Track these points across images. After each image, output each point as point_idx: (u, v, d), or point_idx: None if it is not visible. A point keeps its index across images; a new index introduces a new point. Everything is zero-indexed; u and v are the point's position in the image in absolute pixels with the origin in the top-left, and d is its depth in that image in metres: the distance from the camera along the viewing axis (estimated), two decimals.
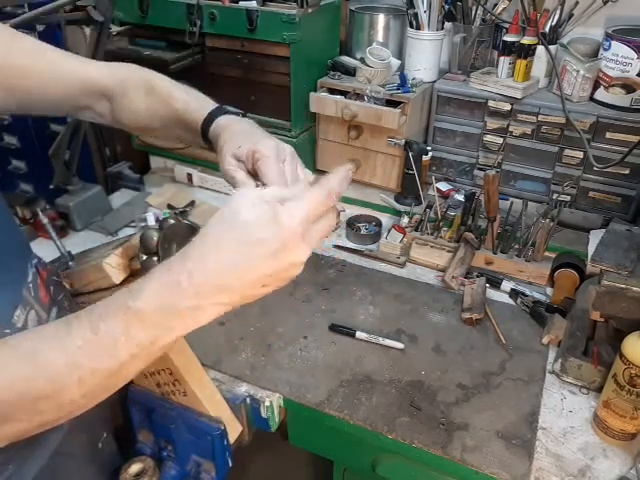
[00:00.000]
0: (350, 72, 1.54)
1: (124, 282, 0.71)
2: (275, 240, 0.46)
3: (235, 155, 0.66)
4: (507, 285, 1.24)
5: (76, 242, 1.40)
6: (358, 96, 1.49)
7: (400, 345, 1.08)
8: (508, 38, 1.38)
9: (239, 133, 0.69)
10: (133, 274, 0.72)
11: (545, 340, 1.09)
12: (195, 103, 0.76)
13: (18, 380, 0.45)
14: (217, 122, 0.72)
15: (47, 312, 0.73)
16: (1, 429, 0.46)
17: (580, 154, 1.38)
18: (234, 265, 0.46)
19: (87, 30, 1.31)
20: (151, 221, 1.44)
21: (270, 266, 0.47)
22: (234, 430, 0.96)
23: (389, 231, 1.37)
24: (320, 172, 0.55)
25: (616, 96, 1.32)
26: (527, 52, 1.35)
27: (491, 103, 1.43)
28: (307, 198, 0.48)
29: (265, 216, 0.46)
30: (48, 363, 0.46)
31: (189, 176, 1.67)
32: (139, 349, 0.47)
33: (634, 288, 0.93)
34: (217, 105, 0.75)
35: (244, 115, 0.75)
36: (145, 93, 0.78)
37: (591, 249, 1.15)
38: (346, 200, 1.54)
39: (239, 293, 0.48)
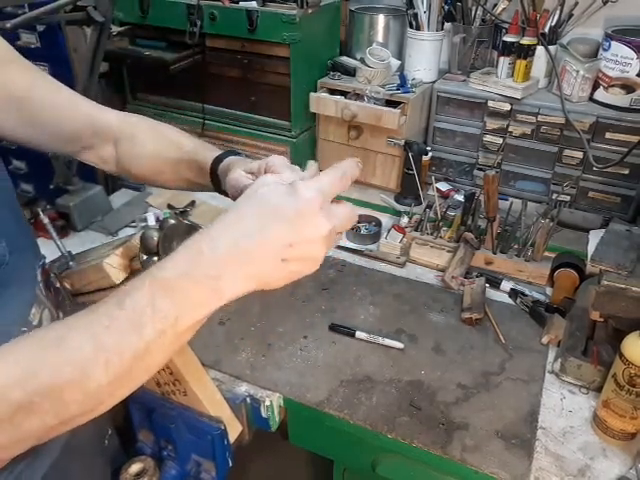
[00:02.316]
0: (350, 72, 1.54)
1: (124, 282, 0.71)
2: (291, 208, 0.47)
3: (246, 169, 0.69)
4: (507, 285, 1.24)
5: (76, 242, 1.40)
6: (358, 96, 1.49)
7: (400, 345, 1.08)
8: (508, 38, 1.38)
9: (251, 160, 0.74)
10: (133, 274, 0.72)
11: (545, 340, 1.09)
12: (203, 146, 0.82)
13: (43, 367, 0.44)
14: (228, 159, 0.76)
15: (57, 312, 0.74)
16: (27, 422, 0.45)
17: (580, 154, 1.38)
18: (252, 232, 0.47)
19: (87, 30, 1.31)
20: (151, 221, 1.45)
21: (287, 234, 0.47)
22: (234, 430, 0.97)
23: (389, 231, 1.37)
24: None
25: (616, 96, 1.33)
26: (527, 52, 1.36)
27: (491, 103, 1.43)
28: (323, 177, 0.50)
29: (283, 188, 0.48)
30: (74, 347, 0.45)
31: None
32: (164, 324, 0.46)
33: (634, 288, 0.94)
34: (221, 151, 0.79)
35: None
36: (154, 137, 0.82)
37: (591, 249, 1.15)
38: (346, 200, 1.54)
39: (259, 263, 0.47)
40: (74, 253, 0.78)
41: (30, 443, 0.47)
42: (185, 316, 0.47)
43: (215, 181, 0.77)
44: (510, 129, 1.44)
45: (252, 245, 0.47)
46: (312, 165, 0.58)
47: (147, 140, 0.82)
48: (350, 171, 0.52)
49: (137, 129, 0.82)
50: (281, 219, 0.47)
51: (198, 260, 0.46)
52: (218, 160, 0.77)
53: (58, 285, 0.73)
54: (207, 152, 0.79)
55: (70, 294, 0.77)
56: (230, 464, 0.97)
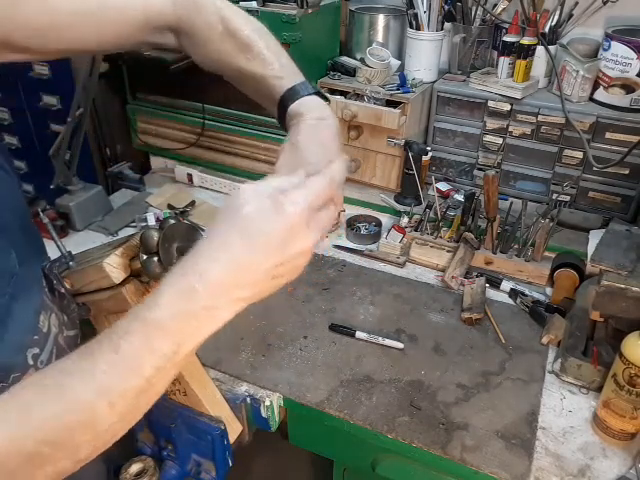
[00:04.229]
0: (350, 72, 1.54)
1: (124, 282, 0.71)
2: (279, 230, 0.46)
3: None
4: (507, 285, 1.24)
5: (76, 242, 1.41)
6: (358, 96, 1.49)
7: (400, 345, 1.08)
8: (508, 38, 1.38)
9: (320, 144, 0.60)
10: (133, 274, 0.72)
11: (545, 340, 1.09)
12: (277, 65, 0.65)
13: (50, 419, 0.44)
14: (301, 101, 0.63)
15: (62, 315, 0.74)
16: (43, 472, 0.45)
17: (580, 154, 1.38)
18: (243, 260, 0.46)
19: None
20: (151, 221, 1.45)
21: (278, 256, 0.47)
22: (234, 430, 0.97)
23: (389, 231, 1.37)
24: None
25: (616, 96, 1.33)
26: (527, 52, 1.35)
27: (491, 103, 1.43)
28: (308, 186, 0.48)
29: (267, 207, 0.46)
30: (77, 395, 0.45)
31: (189, 176, 1.67)
32: (163, 361, 0.46)
33: (634, 288, 0.94)
34: (302, 79, 0.65)
35: (326, 99, 0.66)
36: (220, 34, 0.66)
37: (591, 249, 1.15)
38: (346, 200, 1.55)
39: (252, 287, 0.48)
40: (74, 253, 0.78)
41: None
42: (183, 348, 0.47)
43: (282, 117, 0.65)
44: (510, 129, 1.43)
45: (243, 271, 0.46)
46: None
47: (212, 38, 0.66)
48: (339, 176, 0.50)
49: (200, 19, 0.66)
50: (269, 241, 0.46)
51: (192, 296, 0.46)
52: (292, 95, 0.63)
53: (63, 290, 0.73)
54: (279, 79, 0.64)
55: (71, 294, 0.77)
56: (230, 464, 0.97)
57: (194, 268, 0.46)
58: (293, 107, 0.63)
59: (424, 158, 1.49)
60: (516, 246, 1.29)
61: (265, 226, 0.46)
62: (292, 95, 0.64)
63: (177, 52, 0.73)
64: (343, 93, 1.52)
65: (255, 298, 0.50)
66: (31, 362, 0.64)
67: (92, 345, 0.47)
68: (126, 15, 0.66)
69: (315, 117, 0.62)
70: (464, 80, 1.50)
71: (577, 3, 1.39)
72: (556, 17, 1.40)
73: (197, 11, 0.67)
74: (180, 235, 0.67)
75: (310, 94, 0.64)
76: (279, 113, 0.66)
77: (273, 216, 0.46)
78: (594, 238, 1.20)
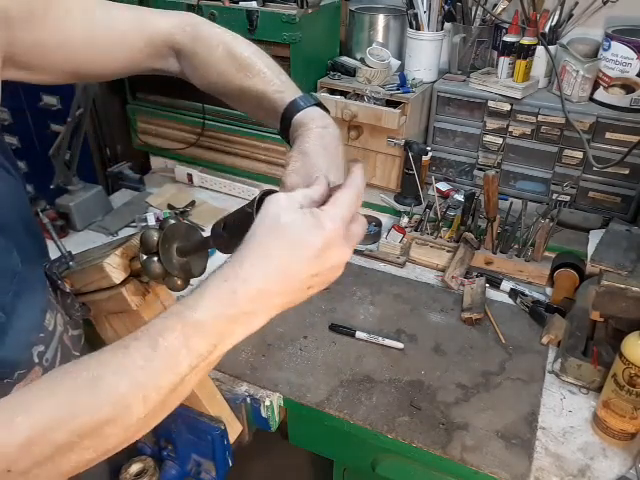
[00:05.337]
0: (350, 72, 1.54)
1: (124, 282, 0.71)
2: (319, 242, 0.48)
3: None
4: (507, 285, 1.24)
5: (76, 242, 1.41)
6: (358, 96, 1.49)
7: (400, 345, 1.08)
8: (508, 38, 1.38)
9: (327, 151, 0.62)
10: (133, 274, 0.72)
11: (545, 340, 1.09)
12: (277, 81, 0.68)
13: (83, 409, 0.45)
14: (305, 112, 0.65)
15: (66, 315, 0.74)
16: (67, 460, 0.46)
17: (580, 154, 1.38)
18: (283, 269, 0.48)
19: None
20: (151, 221, 1.45)
21: (315, 267, 0.49)
22: (234, 430, 0.97)
23: (389, 231, 1.37)
24: None
25: (616, 96, 1.33)
26: (527, 52, 1.35)
27: (491, 103, 1.43)
28: (343, 201, 0.50)
29: (308, 220, 0.48)
30: (112, 388, 0.46)
31: (189, 176, 1.67)
32: (199, 359, 0.48)
33: (634, 288, 0.94)
34: (301, 93, 0.68)
35: (326, 109, 0.68)
36: (219, 56, 0.70)
37: (591, 249, 1.15)
38: None
39: (288, 295, 0.50)
40: (74, 253, 0.78)
41: (67, 477, 0.48)
42: (218, 349, 0.49)
43: (285, 129, 0.67)
44: (510, 129, 1.43)
45: (282, 280, 0.48)
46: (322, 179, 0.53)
47: (213, 59, 0.70)
48: (363, 186, 0.52)
49: (201, 43, 0.71)
50: (308, 253, 0.48)
51: (232, 300, 0.48)
52: (295, 107, 0.65)
53: (68, 290, 0.73)
54: (280, 93, 0.67)
55: (73, 294, 0.77)
56: (230, 464, 0.97)
57: (237, 274, 0.48)
58: (297, 118, 0.65)
59: (424, 158, 1.49)
60: (516, 246, 1.29)
61: (306, 238, 0.48)
62: (295, 107, 0.66)
63: (178, 77, 0.76)
64: (343, 93, 1.52)
65: (288, 306, 0.52)
66: (36, 360, 0.65)
67: (128, 340, 0.48)
68: (131, 40, 0.70)
69: (320, 126, 0.64)
70: (464, 80, 1.50)
71: (577, 3, 1.39)
72: (556, 17, 1.40)
73: (198, 36, 0.72)
74: (180, 235, 0.67)
75: (312, 105, 0.66)
76: (282, 126, 0.68)
77: (314, 230, 0.48)
78: (594, 238, 1.20)
